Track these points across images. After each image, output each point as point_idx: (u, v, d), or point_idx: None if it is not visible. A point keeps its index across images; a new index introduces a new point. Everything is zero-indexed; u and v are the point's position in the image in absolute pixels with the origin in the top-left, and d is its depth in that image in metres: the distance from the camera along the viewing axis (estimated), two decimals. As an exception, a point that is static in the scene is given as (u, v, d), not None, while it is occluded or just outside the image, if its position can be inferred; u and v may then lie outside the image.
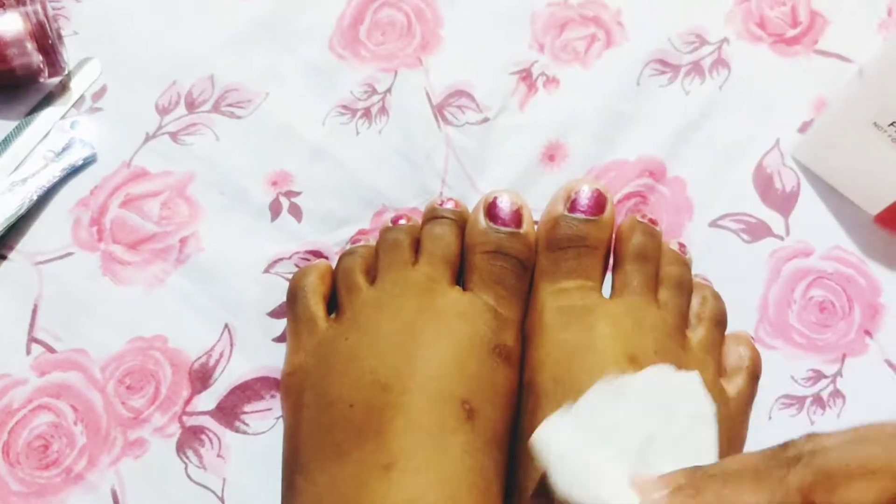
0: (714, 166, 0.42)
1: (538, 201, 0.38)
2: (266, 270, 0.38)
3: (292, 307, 0.36)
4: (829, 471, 0.21)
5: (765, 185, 0.41)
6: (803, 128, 0.43)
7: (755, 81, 0.43)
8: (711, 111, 0.43)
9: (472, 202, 0.38)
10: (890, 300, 0.39)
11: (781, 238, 0.41)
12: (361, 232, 0.40)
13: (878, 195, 0.40)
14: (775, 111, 0.43)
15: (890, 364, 0.38)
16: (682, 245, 0.39)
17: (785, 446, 0.23)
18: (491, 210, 0.36)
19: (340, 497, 0.29)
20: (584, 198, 0.36)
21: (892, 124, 0.37)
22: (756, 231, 0.41)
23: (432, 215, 0.37)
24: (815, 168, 0.42)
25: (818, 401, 0.38)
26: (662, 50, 0.43)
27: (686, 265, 0.38)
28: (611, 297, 0.36)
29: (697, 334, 0.36)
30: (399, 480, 0.29)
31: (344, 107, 0.41)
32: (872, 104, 0.37)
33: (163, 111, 0.41)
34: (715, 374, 0.35)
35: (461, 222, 0.37)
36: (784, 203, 0.41)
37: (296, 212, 0.39)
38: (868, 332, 0.39)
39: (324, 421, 0.32)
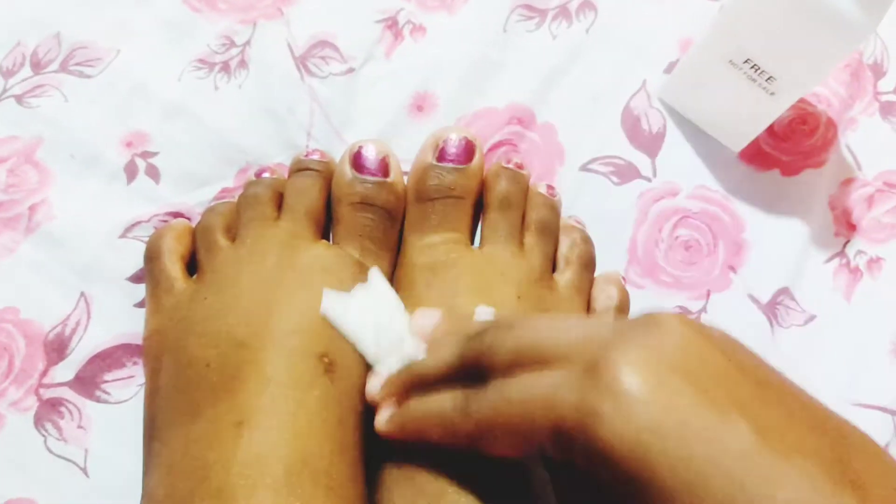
0: (583, 110, 0.42)
1: (407, 152, 0.37)
2: (123, 235, 0.37)
3: (149, 269, 0.35)
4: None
5: (632, 126, 0.42)
6: (669, 68, 0.43)
7: (622, 23, 0.43)
8: (579, 55, 0.42)
9: (339, 155, 0.38)
10: (753, 236, 0.40)
11: (649, 179, 0.41)
12: (225, 191, 0.39)
13: (739, 132, 0.41)
14: (642, 52, 0.43)
15: (752, 298, 0.39)
16: (550, 187, 0.39)
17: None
18: (356, 160, 0.35)
19: (191, 457, 0.29)
20: (452, 146, 0.36)
21: (746, 61, 0.37)
22: (625, 173, 0.41)
23: (297, 167, 0.37)
24: (679, 108, 0.42)
25: (684, 337, 0.38)
26: (528, -6, 0.43)
27: (553, 208, 0.38)
28: (479, 246, 0.36)
29: (565, 277, 0.36)
30: (250, 437, 0.28)
31: (201, 61, 0.40)
32: (729, 42, 0.37)
33: (7, 74, 0.39)
34: (582, 314, 0.36)
35: (327, 174, 0.36)
36: (651, 144, 0.41)
37: (153, 173, 0.38)
38: (732, 268, 0.40)
39: (180, 383, 0.31)
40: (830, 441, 0.22)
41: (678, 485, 0.21)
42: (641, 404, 0.22)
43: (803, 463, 0.21)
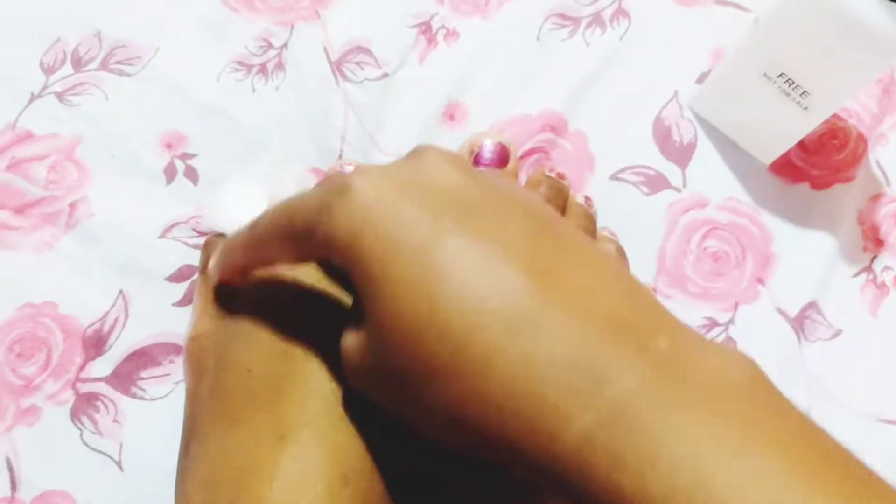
0: (614, 119, 0.42)
1: (439, 157, 0.38)
2: (162, 235, 0.37)
3: (206, 271, 0.35)
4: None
5: (663, 137, 0.42)
6: (701, 79, 0.43)
7: (655, 32, 0.43)
8: (612, 63, 0.43)
9: (373, 159, 0.38)
10: (781, 249, 0.41)
11: (679, 190, 0.41)
12: (261, 192, 0.39)
13: (771, 145, 0.41)
14: (674, 62, 0.43)
15: (780, 311, 0.40)
16: (587, 198, 0.39)
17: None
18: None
19: (232, 465, 0.29)
20: (487, 151, 0.37)
21: (780, 75, 0.37)
22: (655, 183, 0.41)
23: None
24: (711, 119, 0.42)
25: (711, 348, 0.39)
26: (563, 4, 0.43)
27: (591, 219, 0.38)
28: None
29: None
30: (292, 451, 0.28)
31: (239, 62, 0.40)
32: (763, 55, 0.38)
33: (48, 70, 0.39)
34: None
35: None
36: (682, 155, 0.42)
37: (192, 175, 0.39)
38: (760, 280, 0.40)
39: (222, 386, 0.31)
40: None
41: (379, 256, 0.24)
42: (363, 198, 0.24)
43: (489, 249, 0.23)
